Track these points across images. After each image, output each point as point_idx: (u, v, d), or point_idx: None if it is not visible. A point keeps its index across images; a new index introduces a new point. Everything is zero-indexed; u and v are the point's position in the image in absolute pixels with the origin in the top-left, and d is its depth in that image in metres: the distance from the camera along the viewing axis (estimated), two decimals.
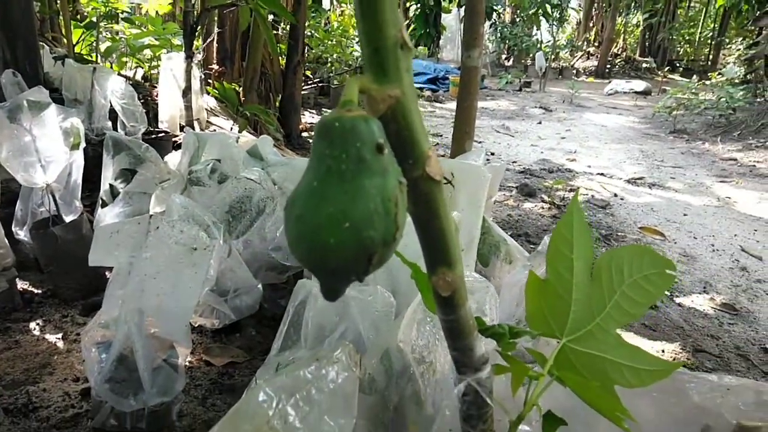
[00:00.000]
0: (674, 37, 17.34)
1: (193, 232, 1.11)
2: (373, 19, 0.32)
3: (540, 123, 7.33)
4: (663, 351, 1.88)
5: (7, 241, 1.86)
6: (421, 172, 0.37)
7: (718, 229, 3.31)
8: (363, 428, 0.97)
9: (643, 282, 0.54)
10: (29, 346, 1.66)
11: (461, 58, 2.36)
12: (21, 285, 1.99)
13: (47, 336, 1.73)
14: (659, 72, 13.33)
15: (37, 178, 1.80)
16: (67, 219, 1.98)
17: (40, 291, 2.00)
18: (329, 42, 6.29)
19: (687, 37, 19.13)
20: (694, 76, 10.22)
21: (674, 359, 1.83)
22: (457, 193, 1.41)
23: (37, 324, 1.79)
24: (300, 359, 1.19)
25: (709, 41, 16.61)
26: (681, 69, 16.67)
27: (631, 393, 0.68)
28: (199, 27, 2.83)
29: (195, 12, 2.60)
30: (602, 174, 4.56)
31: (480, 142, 5.77)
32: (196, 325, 1.75)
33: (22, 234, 2.04)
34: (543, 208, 3.51)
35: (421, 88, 9.88)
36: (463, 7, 2.07)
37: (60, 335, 1.73)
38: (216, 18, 3.49)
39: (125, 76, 4.08)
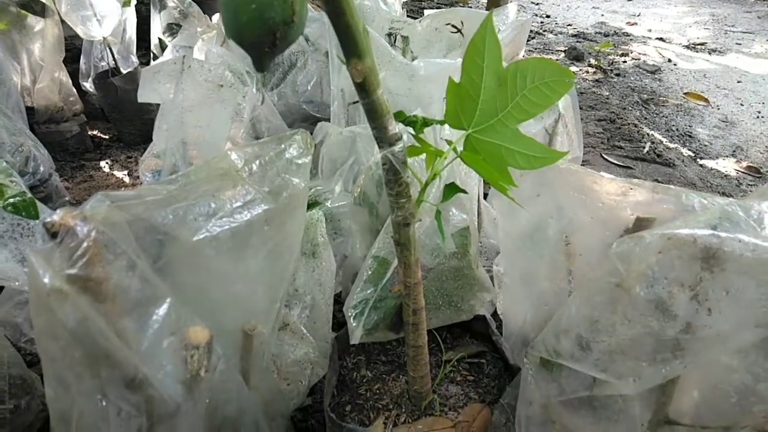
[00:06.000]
0: None
1: (219, 71, 1.27)
2: None
3: None
4: None
5: (75, 91, 2.11)
6: None
7: None
8: (358, 234, 1.18)
9: (543, 87, 0.66)
10: (101, 180, 1.95)
11: None
12: (91, 132, 2.27)
13: (115, 172, 2.01)
14: None
15: (95, 32, 1.99)
16: (125, 71, 2.19)
17: (107, 136, 2.28)
18: None
19: None
20: None
21: None
22: (466, 40, 1.49)
23: (107, 163, 2.07)
24: (317, 187, 1.40)
25: None
26: None
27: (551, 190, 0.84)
28: None
29: None
30: (661, 39, 4.31)
31: (537, 4, 5.48)
32: None
33: (87, 85, 2.28)
34: (588, 72, 3.44)
35: None
36: None
37: (125, 172, 2.01)
38: None
39: None
